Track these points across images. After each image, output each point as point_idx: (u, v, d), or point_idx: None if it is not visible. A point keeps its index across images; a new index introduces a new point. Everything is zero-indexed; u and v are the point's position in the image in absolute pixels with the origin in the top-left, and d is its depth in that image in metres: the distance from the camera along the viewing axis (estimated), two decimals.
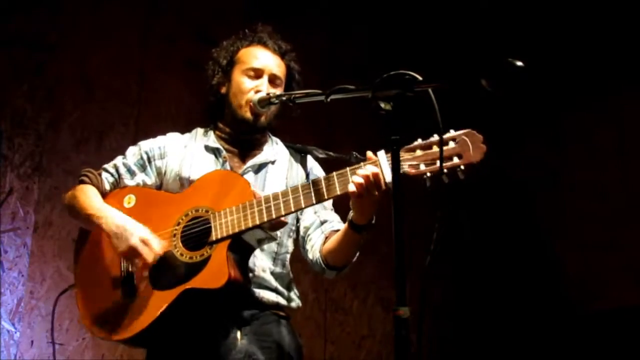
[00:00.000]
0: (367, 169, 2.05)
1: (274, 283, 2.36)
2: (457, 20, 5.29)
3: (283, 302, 2.37)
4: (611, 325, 4.57)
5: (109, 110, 4.07)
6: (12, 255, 3.62)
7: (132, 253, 2.18)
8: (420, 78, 1.76)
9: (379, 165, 2.05)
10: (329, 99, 2.09)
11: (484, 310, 5.14)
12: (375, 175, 2.04)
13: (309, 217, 2.44)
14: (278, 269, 2.39)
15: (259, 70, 2.45)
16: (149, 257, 2.17)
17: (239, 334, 2.24)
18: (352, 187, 2.06)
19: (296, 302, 2.44)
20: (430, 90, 1.73)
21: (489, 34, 5.16)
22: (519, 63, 1.64)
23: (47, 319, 3.62)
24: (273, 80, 2.45)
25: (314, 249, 2.38)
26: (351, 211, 2.20)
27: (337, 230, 2.35)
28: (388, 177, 2.03)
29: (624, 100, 4.86)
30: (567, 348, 4.74)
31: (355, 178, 2.06)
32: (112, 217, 2.25)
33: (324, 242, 2.36)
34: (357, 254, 2.32)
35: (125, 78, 4.18)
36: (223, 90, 2.49)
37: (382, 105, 1.81)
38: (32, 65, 3.86)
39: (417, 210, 3.41)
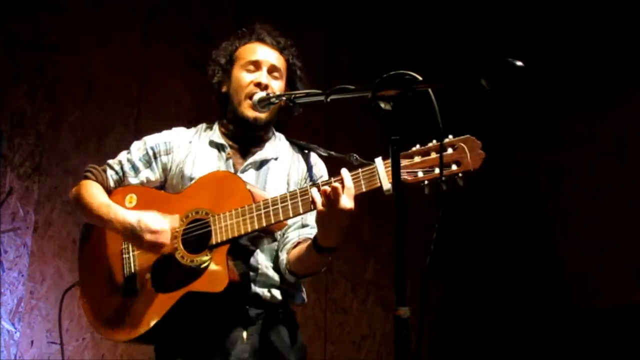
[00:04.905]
0: (326, 186, 2.04)
1: (278, 279, 2.35)
2: (457, 20, 5.29)
3: (288, 299, 2.36)
4: (610, 323, 4.58)
5: (109, 110, 4.07)
6: (12, 255, 3.62)
7: (151, 249, 2.21)
8: (420, 78, 1.75)
9: (376, 172, 2.02)
10: (329, 99, 2.07)
11: (484, 309, 5.13)
12: (337, 193, 2.01)
13: None
14: (277, 266, 2.38)
15: (257, 63, 2.44)
16: (166, 245, 2.20)
17: (244, 333, 2.24)
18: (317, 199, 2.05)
19: (301, 298, 2.42)
20: (430, 91, 1.72)
21: (489, 34, 5.15)
22: (519, 63, 1.63)
23: (47, 319, 3.62)
24: (272, 71, 2.44)
25: (285, 248, 2.35)
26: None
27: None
28: (386, 185, 1.99)
29: (624, 100, 4.86)
30: (567, 346, 4.74)
31: (315, 191, 2.05)
32: (120, 217, 2.25)
33: (295, 246, 2.33)
34: (324, 268, 2.28)
35: (125, 78, 4.17)
36: (224, 89, 2.49)
37: (382, 105, 1.79)
38: (32, 65, 3.86)
39: (416, 210, 3.40)
